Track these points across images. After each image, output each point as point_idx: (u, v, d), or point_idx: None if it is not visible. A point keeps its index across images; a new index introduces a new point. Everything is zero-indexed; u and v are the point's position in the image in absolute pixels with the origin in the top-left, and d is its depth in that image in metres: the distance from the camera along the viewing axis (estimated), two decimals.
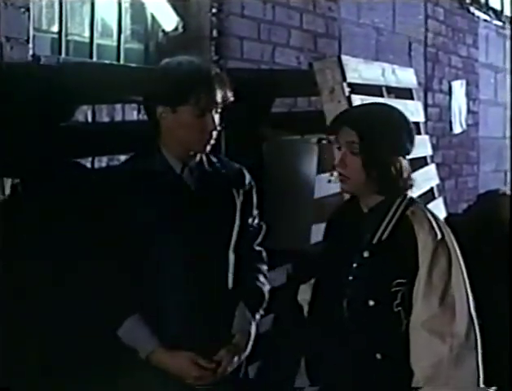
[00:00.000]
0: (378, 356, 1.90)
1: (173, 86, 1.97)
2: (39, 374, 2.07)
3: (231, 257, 2.10)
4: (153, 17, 3.04)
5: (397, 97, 3.26)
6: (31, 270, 2.05)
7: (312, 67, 2.81)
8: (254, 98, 2.79)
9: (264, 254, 2.26)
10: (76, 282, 1.97)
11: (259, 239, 2.25)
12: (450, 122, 5.41)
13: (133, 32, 3.02)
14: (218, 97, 1.99)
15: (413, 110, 3.35)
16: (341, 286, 1.97)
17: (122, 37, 2.90)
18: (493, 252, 3.29)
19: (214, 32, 3.08)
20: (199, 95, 1.96)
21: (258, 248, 2.24)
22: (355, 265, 1.96)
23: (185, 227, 2.00)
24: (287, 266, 3.05)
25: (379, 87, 3.10)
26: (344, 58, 2.79)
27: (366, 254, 1.94)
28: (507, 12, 6.38)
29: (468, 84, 5.71)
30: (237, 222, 2.12)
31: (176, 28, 3.04)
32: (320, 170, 2.71)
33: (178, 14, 3.04)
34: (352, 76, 2.78)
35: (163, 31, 3.06)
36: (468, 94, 5.71)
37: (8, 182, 2.02)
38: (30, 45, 2.10)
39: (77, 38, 2.74)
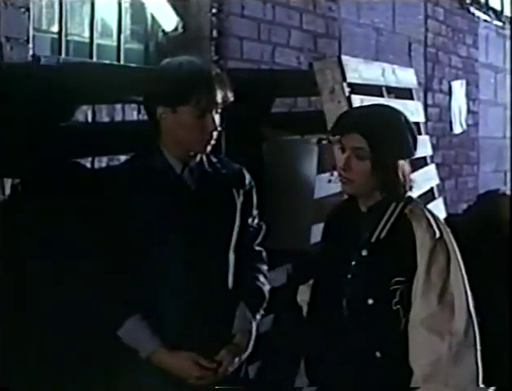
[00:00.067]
0: (378, 354, 1.91)
1: (173, 87, 1.97)
2: (39, 374, 2.07)
3: (232, 257, 2.10)
4: (153, 17, 3.04)
5: (397, 97, 3.26)
6: (31, 270, 2.05)
7: (312, 67, 2.81)
8: (254, 98, 2.79)
9: (264, 254, 2.26)
10: (76, 282, 1.97)
11: (259, 239, 2.25)
12: (450, 122, 5.41)
13: (133, 32, 3.02)
14: (219, 97, 1.99)
15: (413, 110, 3.35)
16: (340, 285, 1.98)
17: (122, 37, 2.90)
18: (493, 252, 3.29)
19: (214, 33, 3.08)
20: (199, 96, 1.96)
21: (258, 248, 2.24)
22: (353, 263, 1.96)
23: (185, 227, 2.00)
24: (287, 266, 3.05)
25: (379, 87, 3.10)
26: (344, 58, 2.79)
27: (364, 253, 1.95)
28: (507, 12, 6.39)
29: (468, 84, 5.71)
30: (237, 222, 2.12)
31: (176, 29, 3.04)
32: (320, 170, 2.71)
33: (178, 14, 3.04)
34: (352, 77, 2.78)
35: (163, 31, 3.06)
36: (468, 94, 5.72)
37: (8, 182, 2.02)
38: (30, 45, 2.10)
39: (77, 38, 2.75)
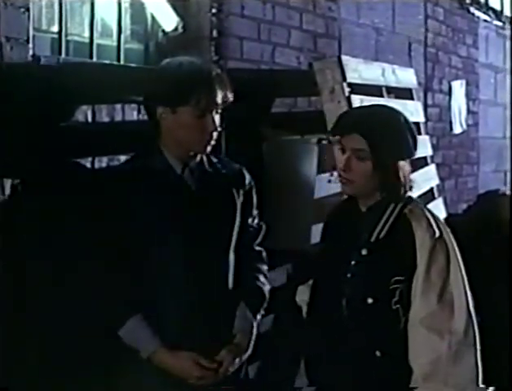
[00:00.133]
0: (378, 353, 1.91)
1: (173, 87, 1.97)
2: (39, 374, 2.07)
3: (232, 257, 2.10)
4: (153, 17, 3.04)
5: (397, 97, 3.26)
6: (31, 270, 2.05)
7: (312, 67, 2.81)
8: (254, 98, 2.79)
9: (264, 254, 2.26)
10: (76, 282, 1.97)
11: (259, 239, 2.25)
12: (450, 122, 5.41)
13: (133, 32, 3.02)
14: (219, 98, 1.99)
15: (413, 110, 3.36)
16: (339, 284, 1.98)
17: (122, 37, 2.90)
18: (493, 252, 3.29)
19: (214, 33, 3.08)
20: (199, 96, 1.96)
21: (258, 248, 2.24)
22: (353, 263, 1.96)
23: (185, 227, 2.00)
24: (287, 266, 3.05)
25: (379, 87, 3.10)
26: (344, 58, 2.79)
27: (364, 252, 1.95)
28: (507, 12, 6.39)
29: (468, 84, 5.71)
30: (237, 222, 2.12)
31: (176, 29, 3.04)
32: (320, 170, 2.71)
33: (178, 14, 3.04)
34: (352, 77, 2.78)
35: (163, 31, 3.06)
36: (468, 95, 5.71)
37: (8, 182, 2.02)
38: (30, 45, 2.10)
39: (77, 38, 2.74)
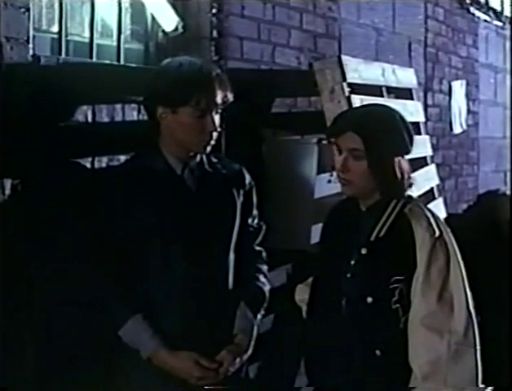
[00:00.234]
0: (378, 353, 1.91)
1: (173, 87, 1.97)
2: (39, 374, 2.07)
3: (232, 257, 2.10)
4: (153, 17, 3.03)
5: (397, 97, 3.26)
6: (31, 270, 2.05)
7: (312, 67, 2.81)
8: (254, 98, 2.79)
9: (264, 254, 2.26)
10: (76, 282, 1.97)
11: (259, 239, 2.25)
12: (450, 122, 5.40)
13: (133, 32, 3.01)
14: (219, 98, 1.99)
15: (413, 110, 3.35)
16: (339, 284, 1.98)
17: (122, 37, 2.89)
18: (493, 252, 3.29)
19: (214, 33, 3.07)
20: (199, 96, 1.96)
21: (258, 248, 2.25)
22: (352, 262, 1.97)
23: (185, 227, 2.01)
24: (287, 266, 3.05)
25: (379, 87, 3.10)
26: (344, 58, 2.79)
27: (364, 251, 1.95)
28: (507, 12, 6.38)
29: (468, 84, 5.71)
30: (237, 222, 2.12)
31: (176, 29, 3.03)
32: (320, 170, 2.71)
33: (178, 14, 3.03)
34: (352, 77, 2.78)
35: (163, 31, 3.06)
36: (468, 95, 5.71)
37: (8, 182, 2.02)
38: (30, 45, 2.10)
39: (77, 38, 2.74)
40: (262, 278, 2.18)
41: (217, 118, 2.02)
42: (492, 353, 2.03)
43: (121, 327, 1.94)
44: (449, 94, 5.40)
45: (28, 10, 2.08)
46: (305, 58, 3.60)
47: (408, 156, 2.02)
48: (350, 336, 1.95)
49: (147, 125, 2.07)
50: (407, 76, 3.50)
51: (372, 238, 1.95)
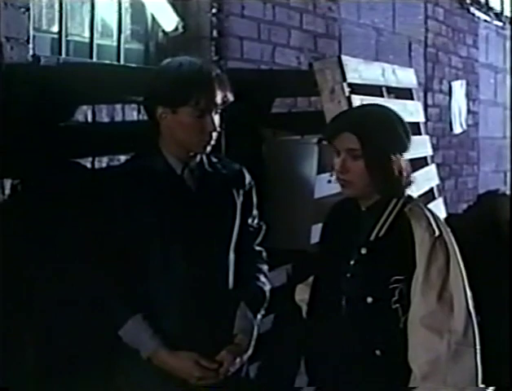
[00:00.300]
0: (378, 352, 1.91)
1: (173, 87, 1.97)
2: (39, 374, 2.07)
3: (232, 257, 2.10)
4: (153, 17, 3.03)
5: (397, 97, 3.26)
6: (31, 270, 2.05)
7: (312, 67, 2.81)
8: (254, 98, 2.79)
9: (264, 254, 2.26)
10: (76, 282, 1.97)
11: (259, 239, 2.25)
12: (450, 122, 5.40)
13: (133, 32, 3.01)
14: (218, 98, 1.99)
15: (413, 110, 3.36)
16: (339, 284, 1.98)
17: (122, 37, 2.89)
18: (493, 251, 3.29)
19: (214, 33, 3.07)
20: (199, 96, 1.96)
21: (258, 248, 2.25)
22: (352, 262, 1.97)
23: (185, 227, 2.00)
24: (287, 266, 3.05)
25: (379, 87, 3.10)
26: (344, 58, 2.79)
27: (364, 251, 1.95)
28: (507, 12, 6.38)
29: (468, 84, 5.71)
30: (237, 222, 2.12)
31: (176, 29, 3.03)
32: (320, 170, 2.71)
33: (178, 14, 3.03)
34: (352, 77, 2.78)
35: (163, 31, 3.06)
36: (468, 95, 5.71)
37: (8, 182, 2.02)
38: (30, 45, 2.10)
39: (77, 38, 2.74)
40: (262, 278, 2.18)
41: (217, 118, 2.02)
42: (492, 353, 2.04)
43: (121, 327, 1.94)
44: (449, 94, 5.40)
45: (28, 10, 2.08)
46: (305, 58, 3.59)
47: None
48: (350, 336, 1.95)
49: (147, 125, 2.07)
50: (407, 76, 3.50)
51: (372, 237, 1.95)
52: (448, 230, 1.98)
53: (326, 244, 2.14)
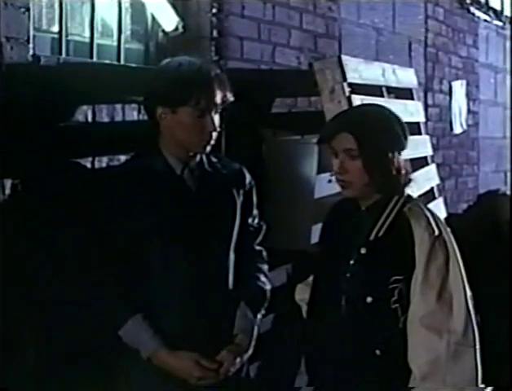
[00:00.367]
0: (377, 352, 1.91)
1: (173, 87, 1.97)
2: (39, 374, 2.07)
3: (232, 256, 2.10)
4: (153, 17, 3.03)
5: (397, 97, 3.26)
6: (31, 270, 2.05)
7: (312, 67, 2.81)
8: (254, 98, 2.79)
9: (265, 254, 2.26)
10: (76, 282, 1.97)
11: (259, 239, 2.25)
12: (450, 122, 5.41)
13: (133, 32, 3.01)
14: (218, 98, 1.99)
15: (413, 110, 3.36)
16: (339, 283, 1.98)
17: (122, 37, 2.89)
18: (493, 252, 3.29)
19: (214, 33, 3.07)
20: (199, 96, 1.96)
21: (258, 248, 2.25)
22: (352, 262, 1.97)
23: (185, 227, 2.00)
24: (287, 266, 3.05)
25: (379, 87, 3.10)
26: (344, 58, 2.79)
27: (363, 251, 1.95)
28: (507, 12, 6.38)
29: (468, 84, 5.71)
30: (237, 222, 2.12)
31: (176, 29, 3.03)
32: (320, 170, 2.71)
33: (178, 14, 3.03)
34: (352, 77, 2.78)
35: (163, 31, 3.06)
36: (468, 95, 5.71)
37: (8, 182, 2.02)
38: (30, 45, 2.10)
39: (77, 38, 2.74)
40: (262, 278, 2.18)
41: (216, 118, 2.02)
42: (492, 353, 2.03)
43: (121, 327, 1.94)
44: (449, 94, 5.40)
45: (28, 10, 2.08)
46: (305, 58, 3.59)
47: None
48: (349, 336, 1.95)
49: (147, 125, 2.07)
50: (407, 76, 3.50)
51: (372, 237, 1.96)
52: (448, 229, 1.98)
53: (326, 244, 2.14)
